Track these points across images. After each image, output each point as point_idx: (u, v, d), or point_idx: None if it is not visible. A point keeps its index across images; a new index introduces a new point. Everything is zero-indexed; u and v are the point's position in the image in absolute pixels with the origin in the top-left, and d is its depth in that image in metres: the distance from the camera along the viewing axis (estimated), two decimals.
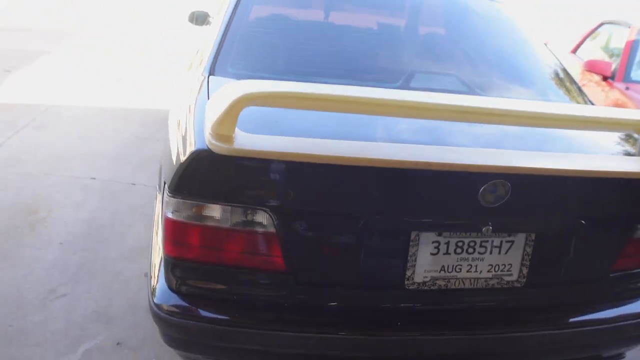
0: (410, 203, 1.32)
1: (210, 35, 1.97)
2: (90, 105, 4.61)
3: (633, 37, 4.15)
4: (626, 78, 4.01)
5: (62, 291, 2.17)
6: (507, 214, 1.33)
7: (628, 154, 1.56)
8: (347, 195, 1.29)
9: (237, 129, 1.17)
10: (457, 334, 1.42)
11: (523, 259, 1.43)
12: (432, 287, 1.40)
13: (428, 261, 1.37)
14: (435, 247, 1.37)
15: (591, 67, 4.24)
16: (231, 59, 1.77)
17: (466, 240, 1.38)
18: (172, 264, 1.35)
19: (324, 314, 1.40)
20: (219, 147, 1.15)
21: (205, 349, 1.41)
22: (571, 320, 1.54)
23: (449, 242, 1.37)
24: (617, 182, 1.39)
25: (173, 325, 1.36)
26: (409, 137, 1.42)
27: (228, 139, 1.16)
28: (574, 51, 5.07)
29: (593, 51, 4.91)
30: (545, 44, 2.25)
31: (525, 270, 1.44)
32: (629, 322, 1.55)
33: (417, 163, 1.21)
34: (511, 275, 1.43)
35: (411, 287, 1.39)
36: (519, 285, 1.45)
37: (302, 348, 1.38)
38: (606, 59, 4.55)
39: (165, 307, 1.35)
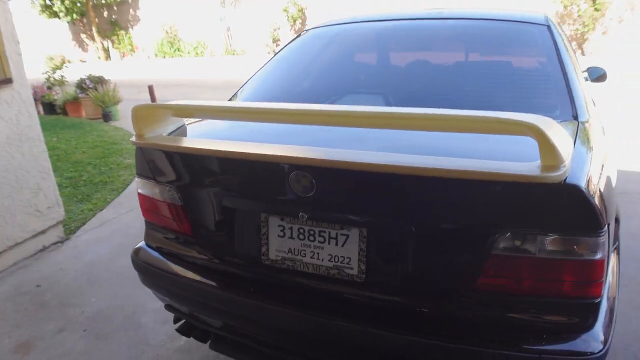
0: (254, 189, 1.61)
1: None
2: None
3: None
4: None
5: None
6: (321, 205, 1.47)
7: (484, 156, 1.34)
8: (214, 179, 1.69)
9: (155, 132, 1.74)
10: (296, 311, 1.57)
11: (359, 254, 1.49)
12: (282, 266, 1.61)
13: (278, 242, 1.61)
14: (281, 231, 1.59)
15: None
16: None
17: (306, 228, 1.55)
18: (145, 224, 2.00)
19: (213, 274, 1.77)
20: (133, 141, 1.74)
21: (151, 286, 1.97)
22: (410, 329, 1.43)
23: (292, 227, 1.57)
24: (458, 185, 1.32)
25: (136, 266, 1.98)
26: (260, 137, 1.67)
27: (141, 137, 1.74)
28: None
29: None
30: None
31: (363, 267, 1.49)
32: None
33: (239, 154, 1.52)
34: (352, 269, 1.50)
35: (266, 263, 1.64)
36: (359, 280, 1.50)
37: (198, 295, 1.79)
38: None
39: (135, 254, 1.99)
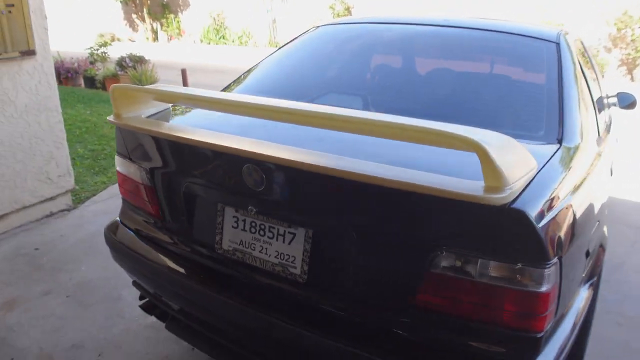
0: (213, 178, 1.64)
1: None
2: None
3: None
4: None
5: None
6: (270, 200, 1.49)
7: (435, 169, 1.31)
8: (179, 165, 1.73)
9: (135, 113, 1.78)
10: (239, 303, 1.59)
11: (303, 254, 1.50)
12: (233, 257, 1.64)
13: (231, 232, 1.63)
14: (235, 222, 1.62)
15: None
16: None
17: (257, 222, 1.57)
18: (122, 201, 2.06)
19: (173, 257, 1.81)
20: (109, 120, 1.79)
21: (120, 263, 2.02)
22: (343, 337, 1.42)
23: (245, 219, 1.60)
24: (401, 197, 1.28)
25: (107, 241, 2.05)
26: (229, 129, 1.65)
27: (118, 116, 1.79)
28: None
29: None
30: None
31: (305, 267, 1.49)
32: None
33: (200, 142, 1.55)
34: (295, 268, 1.51)
35: (219, 251, 1.67)
36: (301, 280, 1.50)
37: (158, 277, 1.84)
38: None
39: (108, 229, 2.05)
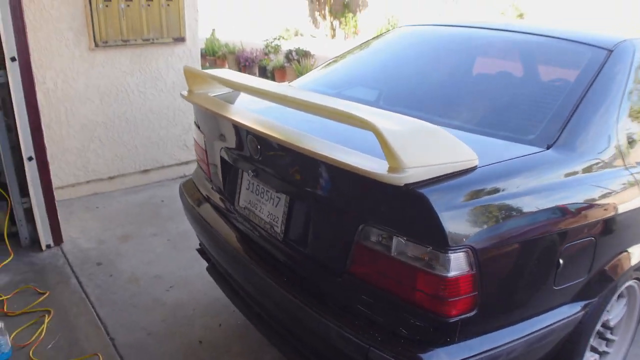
0: (236, 146, 1.96)
1: None
2: None
3: None
4: None
5: None
6: (264, 168, 1.79)
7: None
8: (219, 134, 2.10)
9: (204, 90, 2.19)
10: (242, 251, 1.90)
11: (282, 216, 1.74)
12: (244, 213, 1.95)
13: (246, 193, 1.95)
14: (249, 184, 1.93)
15: None
16: None
17: (261, 186, 1.86)
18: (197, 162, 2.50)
19: (210, 209, 2.20)
20: (182, 94, 2.22)
21: (185, 212, 2.47)
22: (298, 289, 1.64)
23: (253, 183, 1.90)
24: (340, 176, 1.49)
25: (180, 192, 2.51)
26: (264, 111, 1.92)
27: (189, 92, 2.22)
28: None
29: None
30: None
31: (283, 227, 1.75)
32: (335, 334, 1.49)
33: (227, 117, 1.89)
34: (277, 227, 1.77)
35: (237, 207, 1.99)
36: (279, 238, 1.76)
37: (204, 227, 2.19)
38: None
39: (182, 185, 2.52)
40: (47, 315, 2.50)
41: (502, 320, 1.48)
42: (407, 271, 1.37)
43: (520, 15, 14.13)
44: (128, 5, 3.85)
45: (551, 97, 1.87)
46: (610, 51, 1.92)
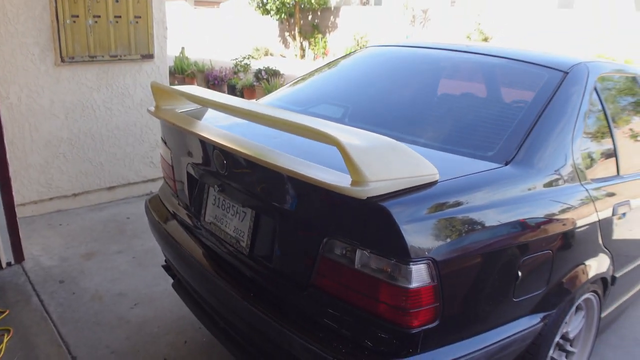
0: (202, 161, 1.99)
1: None
2: None
3: None
4: None
5: None
6: (230, 183, 1.81)
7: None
8: (184, 149, 2.13)
9: (171, 106, 2.22)
10: (208, 266, 1.90)
11: (248, 231, 1.77)
12: (210, 228, 1.96)
13: (212, 208, 1.97)
14: (214, 199, 1.95)
15: None
16: None
17: (226, 201, 1.88)
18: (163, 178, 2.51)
19: (176, 225, 2.20)
20: (148, 110, 2.24)
21: (151, 227, 2.46)
22: (265, 304, 1.65)
23: (219, 198, 1.92)
24: (305, 190, 1.53)
25: (145, 209, 2.50)
26: (226, 126, 1.98)
27: (156, 108, 2.24)
28: None
29: None
30: None
31: (249, 242, 1.77)
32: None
33: (194, 133, 1.91)
34: (243, 241, 1.79)
35: (203, 223, 2.01)
36: (245, 253, 1.78)
37: (171, 244, 2.19)
38: None
39: (148, 200, 2.51)
40: (6, 335, 2.44)
41: (464, 331, 1.53)
42: (370, 283, 1.41)
43: (485, 39, 14.62)
44: (96, 22, 3.85)
45: (510, 116, 1.96)
46: (566, 73, 2.04)
